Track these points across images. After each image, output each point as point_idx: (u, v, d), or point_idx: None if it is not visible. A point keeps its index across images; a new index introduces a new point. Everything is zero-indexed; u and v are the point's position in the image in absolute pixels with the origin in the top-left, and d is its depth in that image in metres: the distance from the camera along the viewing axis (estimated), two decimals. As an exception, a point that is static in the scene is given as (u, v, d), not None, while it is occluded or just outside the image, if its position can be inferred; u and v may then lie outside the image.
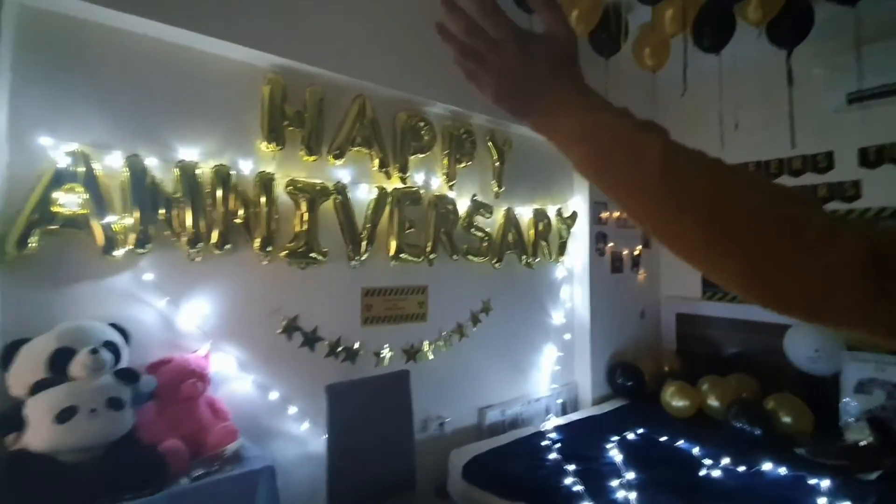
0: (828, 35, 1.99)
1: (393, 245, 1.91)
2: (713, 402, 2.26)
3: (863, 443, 1.88)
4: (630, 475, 1.68)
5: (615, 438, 2.01)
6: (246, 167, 1.57)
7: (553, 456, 1.83)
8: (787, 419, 2.05)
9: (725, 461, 1.81)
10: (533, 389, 2.43)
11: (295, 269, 1.67)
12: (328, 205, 1.74)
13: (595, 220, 2.67)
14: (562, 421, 2.26)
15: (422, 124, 1.99)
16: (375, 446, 1.64)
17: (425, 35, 1.92)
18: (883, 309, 0.29)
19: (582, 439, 2.01)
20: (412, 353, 1.98)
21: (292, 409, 1.64)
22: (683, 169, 0.35)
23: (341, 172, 1.79)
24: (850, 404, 2.09)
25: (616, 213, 2.81)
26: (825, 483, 1.63)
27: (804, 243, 0.31)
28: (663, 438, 2.04)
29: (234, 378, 1.55)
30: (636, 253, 2.93)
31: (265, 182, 1.58)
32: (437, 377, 2.04)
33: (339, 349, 1.78)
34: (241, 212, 1.53)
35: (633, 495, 1.54)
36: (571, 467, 1.72)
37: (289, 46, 1.60)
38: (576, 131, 0.40)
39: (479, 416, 2.20)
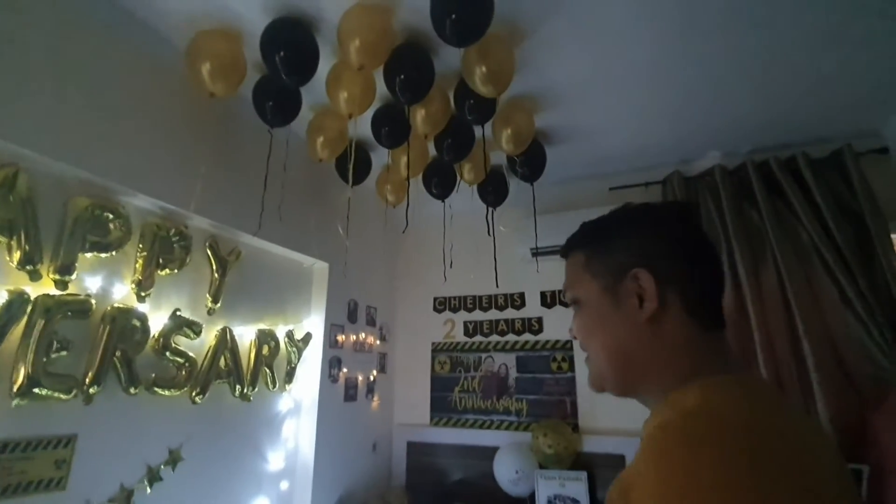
0: (519, 203, 2.52)
1: (21, 375, 1.30)
2: (435, 543, 2.16)
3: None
4: None
5: None
6: None
7: None
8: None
9: None
10: (231, 566, 1.88)
11: None
12: None
13: (331, 343, 2.52)
14: None
15: (110, 216, 1.57)
16: None
17: (131, 108, 1.63)
18: None
19: None
20: (22, 549, 1.28)
21: None
22: None
23: (-60, 264, 1.19)
24: (545, 523, 2.29)
25: (354, 337, 2.75)
26: None
27: None
28: None
29: None
30: (371, 378, 2.86)
31: None
32: (65, 581, 1.36)
33: None
34: None
35: None
36: None
37: None
38: None
39: None
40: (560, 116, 2.21)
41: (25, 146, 1.33)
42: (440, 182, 2.44)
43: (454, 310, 3.12)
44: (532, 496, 2.39)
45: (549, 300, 2.90)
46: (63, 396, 1.39)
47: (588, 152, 2.54)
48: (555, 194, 2.70)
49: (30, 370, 1.32)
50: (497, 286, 2.61)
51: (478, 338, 3.01)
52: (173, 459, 1.71)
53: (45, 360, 1.35)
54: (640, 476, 0.43)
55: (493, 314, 3.01)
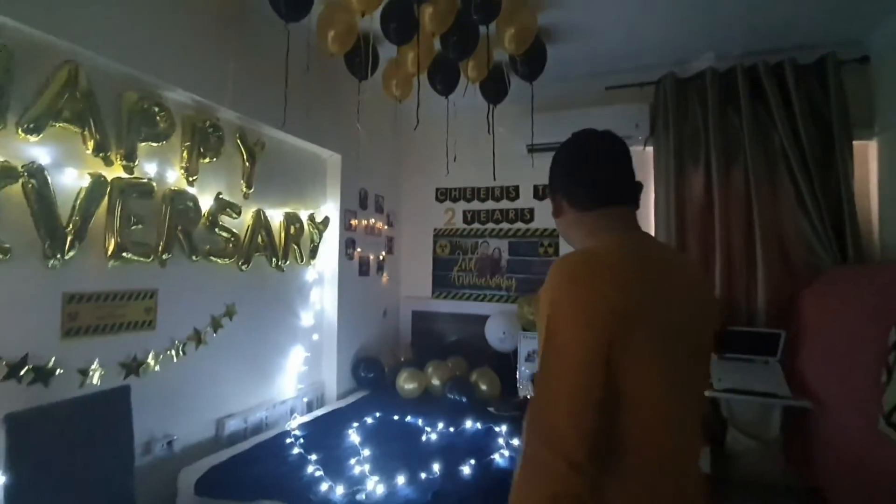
0: (519, 100, 2.68)
1: (112, 243, 1.65)
2: (435, 381, 2.74)
3: (529, 396, 2.60)
4: (366, 452, 1.91)
5: (355, 424, 2.22)
6: None
7: (296, 451, 1.91)
8: (484, 387, 2.67)
9: (440, 426, 2.24)
10: (279, 393, 2.44)
11: (-48, 270, 1.28)
12: (14, 190, 1.39)
13: (346, 226, 2.87)
14: (307, 418, 2.35)
15: (157, 109, 1.79)
16: (78, 481, 1.38)
17: (167, 9, 1.76)
18: None
19: (325, 431, 2.15)
20: (133, 367, 1.74)
21: (-60, 455, 1.24)
22: None
23: (37, 151, 1.45)
24: (524, 371, 2.85)
25: (365, 222, 3.09)
26: (504, 428, 2.21)
27: None
28: (395, 417, 2.37)
29: None
30: (381, 258, 3.27)
31: None
32: (165, 392, 1.85)
33: (25, 370, 1.43)
34: None
35: (367, 468, 1.76)
36: (313, 457, 1.84)
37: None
38: None
39: (217, 428, 2.08)
40: (562, 14, 2.29)
41: (80, 44, 1.51)
42: (444, 79, 2.57)
43: (454, 200, 3.43)
44: (515, 351, 2.93)
45: (541, 193, 3.19)
46: (144, 260, 1.76)
47: (587, 52, 2.63)
48: (553, 93, 2.83)
49: (118, 239, 1.66)
50: (494, 179, 2.88)
51: (475, 225, 3.36)
52: (229, 312, 2.14)
53: (127, 231, 1.69)
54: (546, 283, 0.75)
55: (490, 204, 3.32)
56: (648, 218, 2.92)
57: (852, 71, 2.40)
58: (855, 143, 2.41)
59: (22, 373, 1.42)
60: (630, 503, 0.66)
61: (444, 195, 3.46)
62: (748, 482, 2.57)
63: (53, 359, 1.50)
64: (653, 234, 2.88)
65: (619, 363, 0.63)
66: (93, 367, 1.62)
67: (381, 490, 1.63)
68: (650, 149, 2.90)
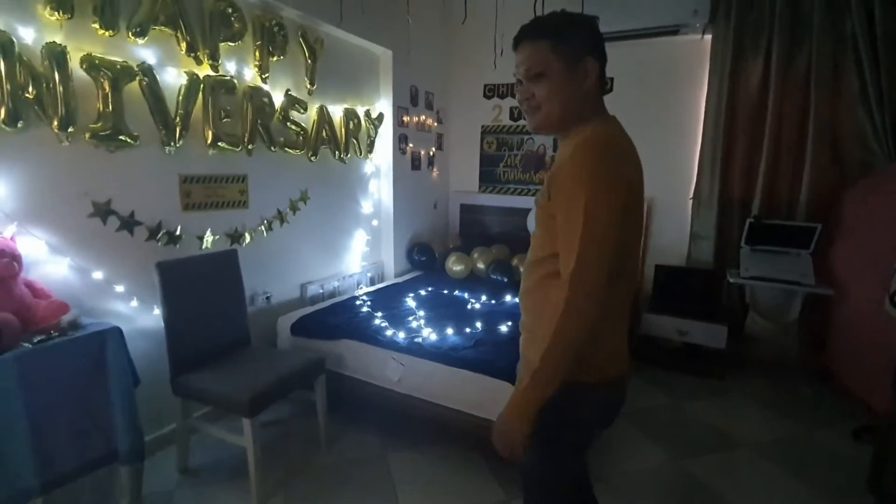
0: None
1: (210, 133, 1.96)
2: (480, 264, 3.08)
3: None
4: (421, 313, 2.32)
5: (411, 294, 2.63)
6: (27, 35, 1.42)
7: (365, 309, 2.34)
8: (522, 269, 2.97)
9: (483, 299, 2.61)
10: (346, 267, 2.87)
11: (103, 152, 1.64)
12: (133, 87, 1.69)
13: (399, 122, 3.06)
14: (371, 289, 2.79)
15: (230, 10, 1.98)
16: (210, 313, 1.85)
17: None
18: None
19: (387, 297, 2.57)
20: (235, 237, 2.15)
21: (119, 288, 1.71)
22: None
23: (144, 52, 1.72)
24: (561, 259, 3.12)
25: (416, 118, 3.26)
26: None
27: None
28: (445, 291, 2.76)
29: (45, 262, 1.53)
30: (431, 154, 3.48)
31: (55, 55, 1.46)
32: (260, 258, 2.28)
33: (161, 233, 1.85)
34: (30, 87, 1.42)
35: (422, 322, 2.18)
36: (379, 314, 2.26)
37: None
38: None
39: (301, 291, 2.55)
40: None
41: (165, -50, 1.70)
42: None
43: (502, 96, 3.49)
44: (553, 242, 3.18)
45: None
46: (234, 150, 2.08)
47: (648, -73, 2.47)
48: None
49: (213, 130, 1.97)
50: (542, 73, 2.90)
51: (521, 122, 3.44)
52: (304, 197, 2.50)
53: (219, 124, 1.99)
54: (562, 167, 0.90)
55: (537, 100, 3.35)
56: (699, 111, 2.89)
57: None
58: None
59: (159, 236, 1.85)
60: (616, 310, 0.94)
61: (491, 91, 3.52)
62: (762, 361, 2.83)
63: (179, 227, 1.92)
64: (701, 128, 2.87)
65: (624, 222, 0.83)
66: (207, 234, 2.03)
67: (434, 337, 2.03)
68: (708, 38, 2.79)
